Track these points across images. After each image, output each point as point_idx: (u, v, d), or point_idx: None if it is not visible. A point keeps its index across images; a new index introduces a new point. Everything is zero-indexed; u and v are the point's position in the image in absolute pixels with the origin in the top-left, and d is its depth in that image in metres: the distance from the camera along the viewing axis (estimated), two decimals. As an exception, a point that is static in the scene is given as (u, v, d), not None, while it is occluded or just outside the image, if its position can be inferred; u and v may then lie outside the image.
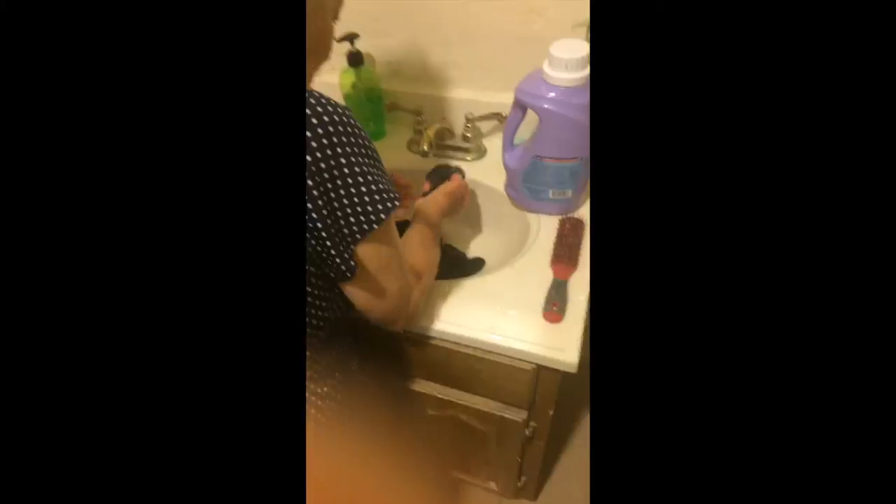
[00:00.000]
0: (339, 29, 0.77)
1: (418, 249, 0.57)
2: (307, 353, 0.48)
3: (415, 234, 0.59)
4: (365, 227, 0.40)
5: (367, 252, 0.42)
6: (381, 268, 0.45)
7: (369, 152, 0.39)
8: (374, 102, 0.86)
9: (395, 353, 0.71)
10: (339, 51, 0.80)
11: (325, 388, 0.52)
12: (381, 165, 0.41)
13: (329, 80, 0.90)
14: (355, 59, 0.80)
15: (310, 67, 0.46)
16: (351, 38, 0.78)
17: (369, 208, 0.40)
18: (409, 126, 0.87)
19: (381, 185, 0.40)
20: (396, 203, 0.42)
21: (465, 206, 0.71)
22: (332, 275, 0.42)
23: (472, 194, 0.83)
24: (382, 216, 0.40)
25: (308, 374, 0.49)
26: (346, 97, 0.85)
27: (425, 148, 0.77)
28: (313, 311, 0.47)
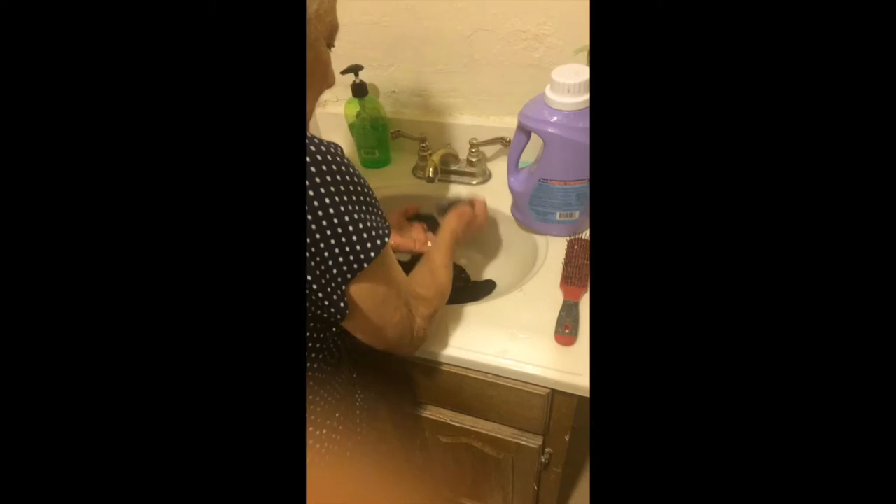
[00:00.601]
0: (344, 61, 0.79)
1: (426, 277, 0.57)
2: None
3: (424, 262, 0.59)
4: (355, 266, 0.40)
5: (360, 291, 0.42)
6: (376, 304, 0.45)
7: (357, 189, 0.39)
8: (378, 131, 0.87)
9: (403, 381, 0.70)
10: (344, 82, 0.81)
11: (324, 430, 0.51)
12: (372, 200, 0.41)
13: (334, 110, 0.92)
14: (359, 90, 0.82)
15: (310, 98, 0.45)
16: (355, 69, 0.80)
17: (357, 247, 0.39)
18: (414, 153, 0.88)
19: (368, 224, 0.40)
20: (385, 240, 0.41)
21: (481, 226, 0.71)
22: (324, 316, 0.42)
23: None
24: (372, 254, 0.40)
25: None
26: (351, 126, 0.87)
27: (430, 174, 0.78)
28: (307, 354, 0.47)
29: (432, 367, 0.64)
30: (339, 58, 0.81)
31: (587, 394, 0.56)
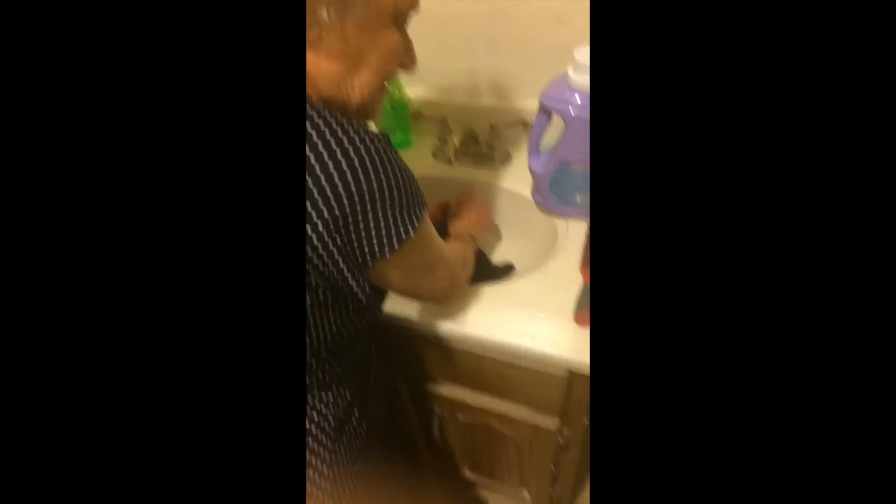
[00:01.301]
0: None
1: (450, 256, 0.57)
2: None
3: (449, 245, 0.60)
4: (396, 240, 0.40)
5: (391, 269, 0.43)
6: (414, 274, 0.46)
7: (391, 168, 0.38)
8: (399, 111, 0.87)
9: (422, 359, 0.71)
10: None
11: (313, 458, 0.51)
12: (405, 176, 0.40)
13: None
14: (381, 72, 0.82)
15: (372, 81, 0.42)
16: (377, 51, 0.80)
17: (398, 225, 0.39)
18: (434, 134, 0.88)
19: (406, 196, 0.39)
20: (421, 213, 0.41)
21: (484, 221, 0.73)
22: (352, 306, 0.43)
23: (497, 201, 0.83)
24: (412, 226, 0.40)
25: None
26: (373, 109, 0.87)
27: (451, 156, 0.78)
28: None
29: (452, 347, 0.65)
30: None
31: (606, 374, 0.56)
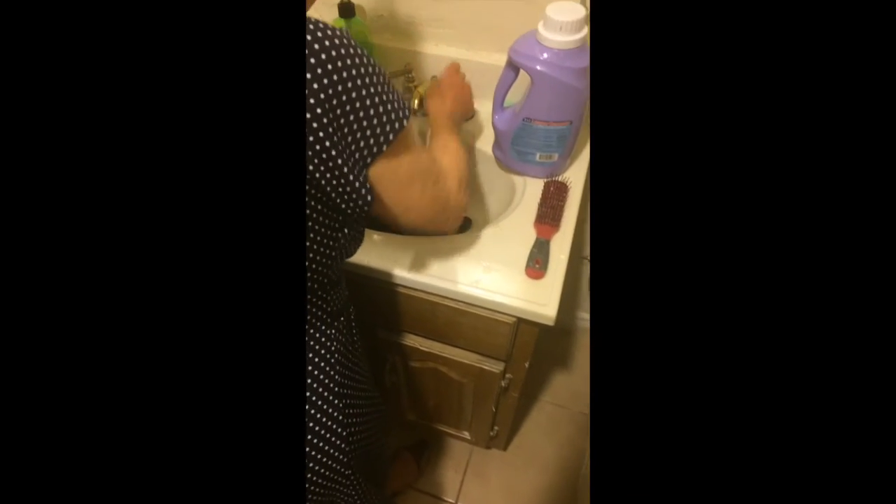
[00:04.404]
0: (332, -24, 0.75)
1: (440, 152, 0.56)
2: None
3: (434, 145, 0.59)
4: (374, 149, 0.40)
5: (382, 171, 0.42)
6: (402, 185, 0.45)
7: (373, 70, 0.39)
8: (364, 56, 0.85)
9: (378, 306, 0.73)
10: (331, 1, 0.78)
11: (332, 331, 0.53)
12: (387, 82, 0.41)
13: (318, 30, 0.88)
14: (347, 10, 0.78)
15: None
16: (343, -13, 0.76)
17: (378, 129, 0.39)
18: (399, 83, 0.87)
19: (388, 104, 0.40)
20: (404, 119, 0.42)
21: (468, 94, 0.70)
22: (350, 207, 0.42)
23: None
24: (391, 135, 0.40)
25: None
26: (336, 49, 0.84)
27: (416, 105, 0.78)
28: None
29: (408, 294, 0.68)
30: (327, -28, 0.77)
31: (551, 322, 0.61)
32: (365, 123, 0.39)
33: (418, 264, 0.64)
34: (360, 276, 0.66)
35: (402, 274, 0.64)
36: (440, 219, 0.51)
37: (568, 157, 0.74)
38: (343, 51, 0.36)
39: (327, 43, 0.35)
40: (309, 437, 0.50)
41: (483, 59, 0.82)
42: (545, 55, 0.60)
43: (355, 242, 0.52)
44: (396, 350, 0.81)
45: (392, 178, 0.43)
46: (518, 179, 0.76)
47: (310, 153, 0.36)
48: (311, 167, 0.37)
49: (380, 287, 0.68)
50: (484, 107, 0.84)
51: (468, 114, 0.72)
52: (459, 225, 0.55)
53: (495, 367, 0.76)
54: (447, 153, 0.56)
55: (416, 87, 0.80)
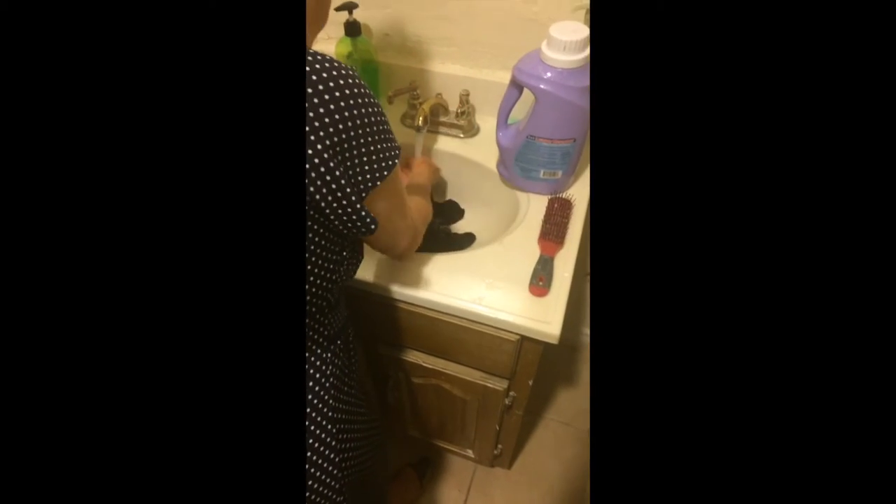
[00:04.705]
0: (339, -3, 0.77)
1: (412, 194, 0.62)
2: None
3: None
4: (373, 179, 0.42)
5: (378, 200, 0.45)
6: (391, 214, 0.48)
7: (376, 108, 0.41)
8: (369, 74, 0.86)
9: (381, 322, 0.73)
10: (337, 20, 0.79)
11: (328, 354, 0.53)
12: (386, 120, 0.43)
13: (325, 48, 0.90)
14: (353, 29, 0.79)
15: (311, 35, 0.46)
16: (350, 7, 0.77)
17: (376, 163, 0.42)
18: (404, 100, 0.87)
19: (388, 136, 0.43)
20: (398, 152, 0.45)
21: (436, 175, 0.80)
22: (352, 232, 0.44)
23: (463, 170, 0.84)
24: (386, 171, 0.43)
25: None
26: (342, 67, 0.85)
27: (419, 123, 0.78)
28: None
29: (411, 310, 0.67)
30: (334, -8, 0.78)
31: (555, 341, 0.60)
32: (366, 157, 0.41)
33: (421, 280, 0.64)
34: (361, 291, 0.66)
35: (405, 290, 0.64)
36: (411, 247, 0.56)
37: (572, 174, 0.74)
38: (353, 87, 0.38)
39: (338, 77, 0.37)
40: None
41: (487, 77, 0.83)
42: (549, 74, 0.61)
43: (354, 265, 0.53)
44: (399, 366, 0.80)
45: (385, 208, 0.46)
46: (522, 196, 0.76)
47: (317, 179, 0.37)
48: (313, 190, 0.38)
49: (381, 303, 0.68)
50: (488, 123, 0.85)
51: (435, 178, 0.81)
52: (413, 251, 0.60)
53: (499, 384, 0.75)
54: (419, 198, 0.64)
55: (420, 104, 0.81)
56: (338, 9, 0.77)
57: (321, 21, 0.47)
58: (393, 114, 0.89)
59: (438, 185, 0.86)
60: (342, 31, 0.80)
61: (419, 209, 0.61)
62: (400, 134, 0.86)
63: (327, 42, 0.90)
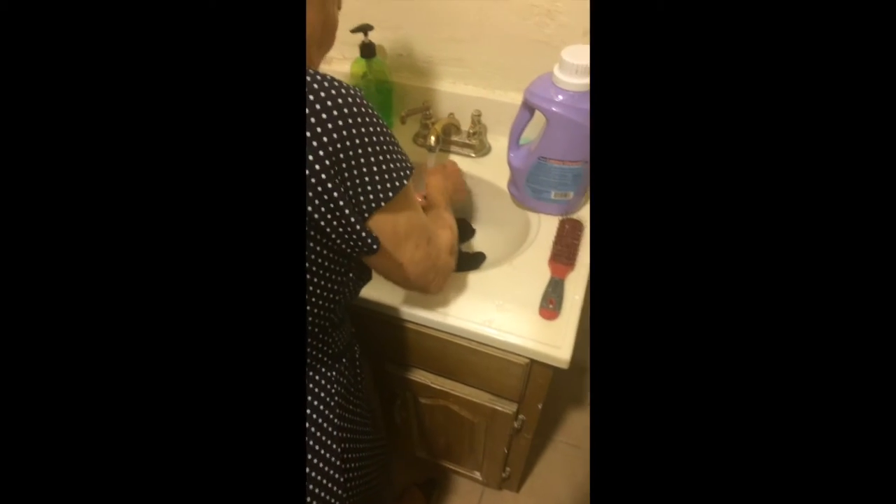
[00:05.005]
0: (355, 19, 0.78)
1: (436, 218, 0.59)
2: None
3: (430, 216, 0.60)
4: (375, 202, 0.41)
5: (381, 224, 0.43)
6: (399, 240, 0.46)
7: (381, 129, 0.41)
8: (383, 94, 0.87)
9: (389, 341, 0.73)
10: (352, 41, 0.80)
11: (333, 373, 0.53)
12: (394, 140, 0.43)
13: (340, 68, 0.91)
14: (368, 51, 0.81)
15: (317, 56, 0.47)
16: (365, 28, 0.79)
17: (381, 184, 0.41)
18: (417, 120, 0.88)
19: (394, 157, 0.42)
20: (409, 173, 0.43)
21: (462, 186, 0.75)
22: (355, 252, 0.43)
23: (474, 189, 0.84)
24: (391, 192, 0.42)
25: None
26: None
27: (432, 142, 0.79)
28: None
29: (419, 331, 0.67)
30: (349, 15, 0.80)
31: (565, 365, 0.59)
32: (367, 177, 0.40)
33: (430, 300, 0.64)
34: (368, 310, 0.66)
35: (414, 311, 0.63)
36: (428, 277, 0.52)
37: (583, 195, 0.74)
38: (354, 107, 0.38)
39: (339, 97, 0.37)
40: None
41: (499, 98, 0.83)
42: (560, 97, 0.61)
43: (360, 284, 0.52)
44: (406, 386, 0.80)
45: (391, 231, 0.45)
46: (533, 216, 0.75)
47: (315, 199, 0.37)
48: (313, 210, 0.37)
49: (389, 322, 0.68)
50: (500, 143, 0.85)
51: (459, 201, 0.76)
52: (444, 285, 0.56)
53: (508, 407, 0.74)
54: (443, 221, 0.59)
55: (433, 124, 0.81)
56: (353, 30, 0.78)
57: (327, 43, 0.48)
58: (406, 133, 0.90)
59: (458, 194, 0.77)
60: (357, 52, 0.81)
61: (443, 233, 0.56)
62: (412, 153, 0.87)
63: (342, 62, 0.92)
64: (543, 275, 0.66)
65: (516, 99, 0.72)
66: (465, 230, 0.87)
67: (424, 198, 0.70)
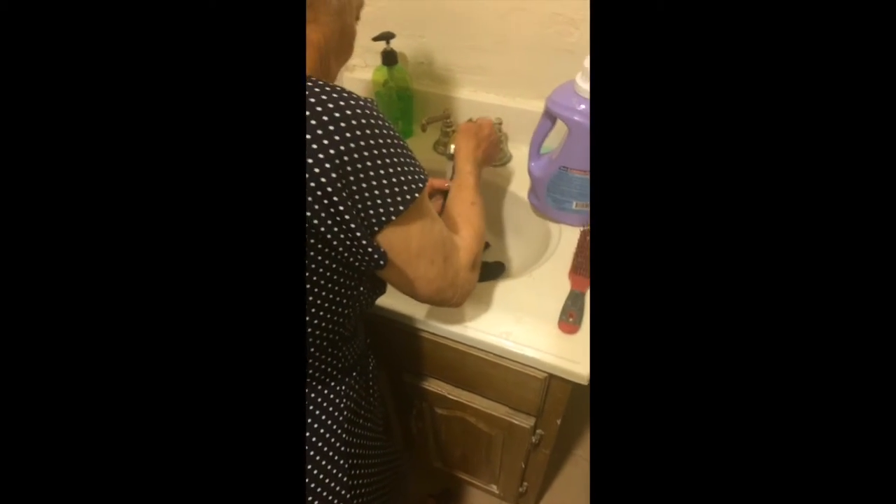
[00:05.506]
0: (378, 27, 0.79)
1: (458, 223, 0.55)
2: None
3: (452, 205, 0.58)
4: (384, 216, 0.40)
5: (392, 238, 0.42)
6: (410, 256, 0.44)
7: (391, 141, 0.39)
8: (404, 101, 0.87)
9: (406, 351, 0.72)
10: (375, 49, 0.81)
11: (342, 388, 0.52)
12: (406, 153, 0.41)
13: (361, 76, 0.92)
14: (389, 58, 0.81)
15: (335, 66, 0.47)
16: (387, 37, 0.79)
17: (390, 197, 0.40)
18: (437, 128, 0.88)
19: (406, 169, 0.40)
20: (421, 186, 0.42)
21: (495, 142, 0.70)
22: (363, 266, 0.42)
23: (493, 197, 0.83)
24: (402, 206, 0.40)
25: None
26: (378, 95, 0.86)
27: (452, 150, 0.78)
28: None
29: (437, 341, 0.66)
30: (371, 23, 0.80)
31: (584, 381, 0.58)
32: (377, 190, 0.39)
33: (448, 312, 0.63)
34: (385, 319, 0.66)
35: (431, 321, 0.63)
36: (445, 295, 0.50)
37: (606, 205, 0.72)
38: (363, 118, 0.37)
39: (347, 109, 0.36)
40: (310, 498, 0.48)
41: (520, 106, 0.82)
42: (583, 106, 0.60)
43: (374, 296, 0.51)
44: (423, 396, 0.79)
45: (402, 246, 0.43)
46: (554, 227, 0.74)
47: (321, 212, 0.36)
48: (319, 224, 0.36)
49: (407, 332, 0.67)
50: (520, 151, 0.84)
51: (490, 162, 0.71)
52: (464, 301, 0.53)
53: (526, 421, 0.72)
54: (469, 224, 0.55)
55: (453, 132, 0.81)
56: (375, 38, 0.79)
57: (345, 53, 0.48)
58: (426, 141, 0.89)
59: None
60: (379, 60, 0.82)
61: (467, 246, 0.52)
62: (432, 161, 0.86)
63: (364, 70, 0.92)
64: (563, 287, 0.65)
65: (538, 107, 0.71)
66: (496, 269, 0.80)
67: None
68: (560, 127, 0.64)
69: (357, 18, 0.48)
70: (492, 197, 0.83)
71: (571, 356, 0.58)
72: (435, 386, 0.76)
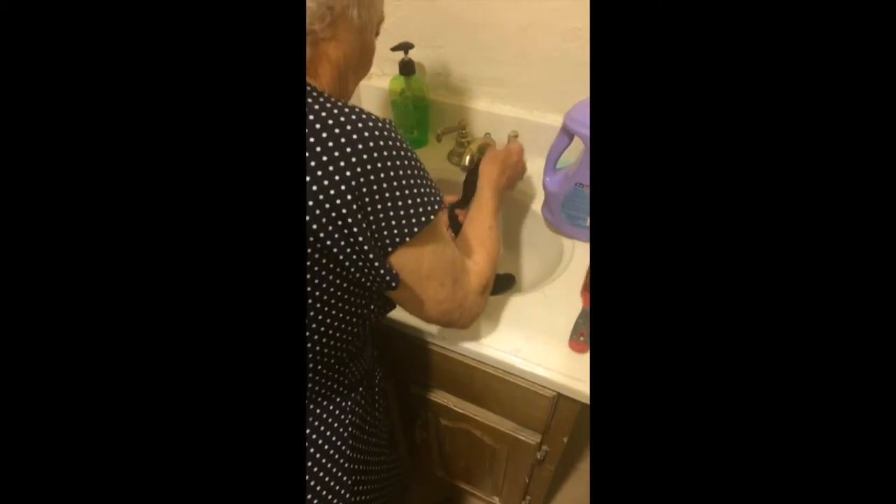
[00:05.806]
0: (397, 37, 0.79)
1: (473, 247, 0.55)
2: None
3: (469, 227, 0.58)
4: (398, 238, 0.40)
5: (404, 260, 0.42)
6: (420, 278, 0.44)
7: (409, 163, 0.39)
8: (420, 111, 0.87)
9: (414, 363, 0.72)
10: (393, 58, 0.81)
11: (348, 403, 0.52)
12: (422, 175, 0.41)
13: (378, 84, 0.92)
14: (407, 68, 0.81)
15: (353, 82, 0.47)
16: (405, 47, 0.79)
17: (404, 220, 0.40)
18: (453, 139, 0.88)
19: (422, 191, 0.40)
20: (436, 209, 0.42)
21: (521, 170, 0.70)
22: (375, 286, 0.42)
23: (507, 209, 0.83)
24: (416, 228, 0.40)
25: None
26: (394, 104, 0.87)
27: (466, 162, 0.78)
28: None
29: (445, 354, 0.66)
30: (390, 33, 0.80)
31: (593, 403, 0.57)
32: (392, 212, 0.39)
33: (457, 325, 0.63)
34: (394, 330, 0.66)
35: (441, 335, 0.62)
36: (452, 317, 0.50)
37: (620, 223, 0.71)
38: (381, 140, 0.37)
39: (365, 130, 0.36)
40: None
41: (537, 119, 0.82)
42: (601, 124, 0.59)
43: (383, 313, 0.51)
44: (428, 407, 0.79)
45: (413, 267, 0.43)
46: (567, 242, 0.73)
47: (335, 232, 0.36)
48: (332, 244, 0.36)
49: (416, 344, 0.67)
50: (536, 164, 0.83)
51: (513, 188, 0.72)
52: (471, 323, 0.54)
53: (531, 438, 0.72)
54: (483, 248, 0.55)
55: (468, 143, 0.81)
56: (394, 48, 0.79)
57: (364, 69, 0.48)
58: (440, 151, 0.89)
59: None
60: (397, 69, 0.82)
61: (479, 270, 0.52)
62: (446, 171, 0.86)
63: (381, 79, 0.92)
64: (575, 305, 0.64)
65: (555, 121, 0.71)
66: (507, 282, 0.79)
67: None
68: (577, 142, 0.64)
69: (377, 34, 0.48)
70: (505, 208, 0.83)
71: (581, 376, 0.57)
72: (441, 398, 0.76)
